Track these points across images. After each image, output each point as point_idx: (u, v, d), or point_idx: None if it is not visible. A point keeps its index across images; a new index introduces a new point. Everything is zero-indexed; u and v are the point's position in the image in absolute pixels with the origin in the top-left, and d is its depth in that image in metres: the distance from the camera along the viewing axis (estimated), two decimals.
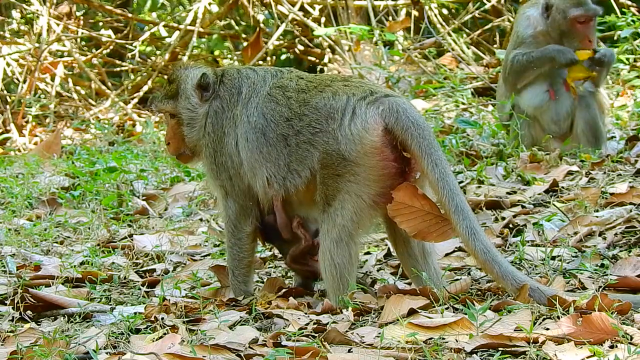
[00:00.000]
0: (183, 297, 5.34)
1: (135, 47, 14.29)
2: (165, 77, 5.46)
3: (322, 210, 4.95)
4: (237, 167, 5.14)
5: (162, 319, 4.78)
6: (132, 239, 6.64)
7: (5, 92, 13.72)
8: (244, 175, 5.14)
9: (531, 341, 4.06)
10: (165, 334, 4.53)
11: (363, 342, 4.31)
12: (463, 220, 4.73)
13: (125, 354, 4.22)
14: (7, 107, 13.20)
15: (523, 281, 4.65)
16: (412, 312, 4.60)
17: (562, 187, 6.97)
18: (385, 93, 4.98)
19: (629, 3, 12.86)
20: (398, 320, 4.41)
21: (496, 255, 4.71)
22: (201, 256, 6.35)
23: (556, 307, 4.39)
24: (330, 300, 4.91)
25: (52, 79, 13.75)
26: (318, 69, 14.26)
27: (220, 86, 5.25)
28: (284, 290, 5.23)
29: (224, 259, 6.23)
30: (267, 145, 5.05)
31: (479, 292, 5.00)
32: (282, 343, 4.30)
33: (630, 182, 6.86)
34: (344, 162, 4.88)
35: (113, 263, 6.22)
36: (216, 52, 16.10)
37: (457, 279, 5.31)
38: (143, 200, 7.82)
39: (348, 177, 4.88)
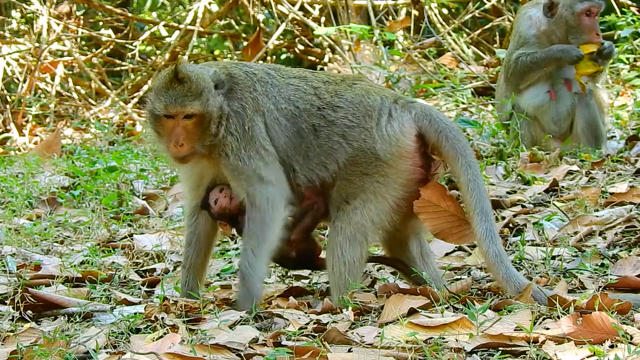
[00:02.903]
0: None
1: (135, 46, 14.29)
2: (161, 77, 5.09)
3: (337, 206, 4.94)
4: (274, 154, 4.99)
5: (162, 318, 4.78)
6: (132, 239, 6.64)
7: (5, 91, 13.72)
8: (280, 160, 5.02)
9: (531, 341, 4.06)
10: (165, 333, 4.53)
11: (363, 342, 4.31)
12: (484, 222, 4.82)
13: (125, 353, 4.22)
14: (7, 106, 13.21)
15: (525, 284, 4.69)
16: (412, 311, 4.60)
17: (562, 187, 6.97)
18: (409, 99, 5.13)
19: (629, 3, 12.86)
20: (398, 319, 4.41)
21: (506, 260, 4.79)
22: None
23: (556, 307, 4.39)
24: (332, 298, 4.91)
25: (52, 79, 13.76)
26: (318, 68, 14.26)
27: (233, 84, 5.07)
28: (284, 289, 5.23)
29: (224, 258, 6.24)
30: (298, 135, 5.00)
31: (479, 292, 5.00)
32: (282, 343, 4.30)
33: (630, 181, 6.86)
34: (377, 161, 4.92)
35: (113, 263, 6.22)
36: (216, 52, 16.10)
37: (457, 279, 5.31)
38: (143, 199, 7.82)
39: (377, 178, 4.92)
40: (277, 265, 5.63)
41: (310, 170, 4.98)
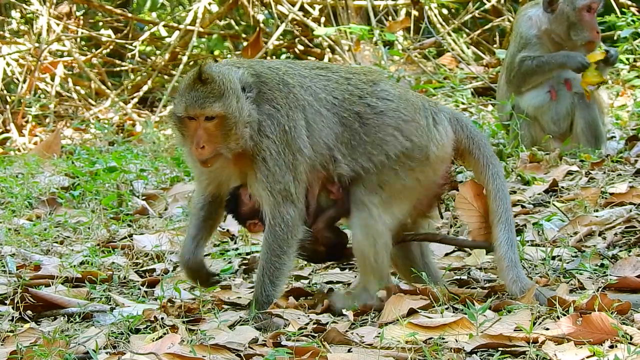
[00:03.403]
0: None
1: (135, 47, 14.30)
2: (187, 77, 4.85)
3: (370, 192, 4.88)
4: (306, 162, 4.84)
5: (162, 319, 4.78)
6: (132, 239, 6.64)
7: (5, 92, 13.72)
8: (311, 166, 4.87)
9: (531, 341, 4.06)
10: (165, 333, 4.53)
11: (363, 342, 4.31)
12: (507, 232, 4.91)
13: (125, 354, 4.22)
14: (7, 107, 13.21)
15: (530, 286, 4.75)
16: (412, 312, 4.60)
17: (562, 187, 6.97)
18: (437, 103, 5.20)
19: (629, 3, 12.87)
20: (398, 320, 4.41)
21: (519, 266, 4.88)
22: None
23: (556, 307, 4.39)
24: (367, 284, 4.90)
25: (52, 79, 13.76)
26: None
27: (261, 85, 4.87)
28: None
29: (224, 259, 6.23)
30: (340, 124, 4.90)
31: (480, 292, 5.00)
32: (282, 343, 4.30)
33: (630, 182, 6.86)
34: (426, 160, 4.95)
35: (113, 263, 6.22)
36: (216, 52, 16.10)
37: (457, 279, 5.32)
38: (143, 200, 7.82)
39: (418, 175, 4.95)
40: (307, 263, 5.65)
41: (354, 159, 4.89)
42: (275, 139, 4.80)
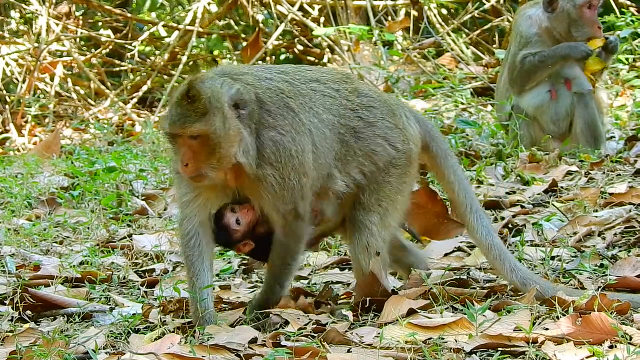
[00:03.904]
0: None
1: (134, 47, 14.29)
2: (177, 91, 4.64)
3: (366, 209, 4.86)
4: (313, 182, 4.76)
5: (162, 319, 4.78)
6: (131, 239, 6.64)
7: (4, 92, 13.72)
8: (315, 187, 4.80)
9: (531, 341, 4.06)
10: (164, 333, 4.53)
11: (363, 342, 4.31)
12: (481, 219, 5.00)
13: (125, 354, 4.22)
14: (7, 107, 13.21)
15: (529, 277, 4.82)
16: (411, 312, 4.60)
17: (562, 188, 6.96)
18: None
19: (629, 3, 12.87)
20: (398, 320, 4.41)
21: (508, 253, 4.94)
22: None
23: (556, 308, 4.39)
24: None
25: (52, 79, 13.76)
26: None
27: (264, 113, 4.69)
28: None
29: (224, 259, 6.23)
30: (339, 142, 4.83)
31: (479, 293, 5.00)
32: (282, 343, 4.30)
33: (629, 182, 6.85)
34: (408, 161, 4.95)
35: (113, 263, 6.22)
36: (216, 52, 16.10)
37: (457, 279, 5.32)
38: (142, 200, 7.81)
39: (405, 179, 4.95)
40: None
41: (348, 174, 4.85)
42: (281, 166, 4.65)
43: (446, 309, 4.70)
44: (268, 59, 14.50)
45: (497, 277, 5.26)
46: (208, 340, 4.41)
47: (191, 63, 14.67)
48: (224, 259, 6.25)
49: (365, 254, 4.84)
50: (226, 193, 4.79)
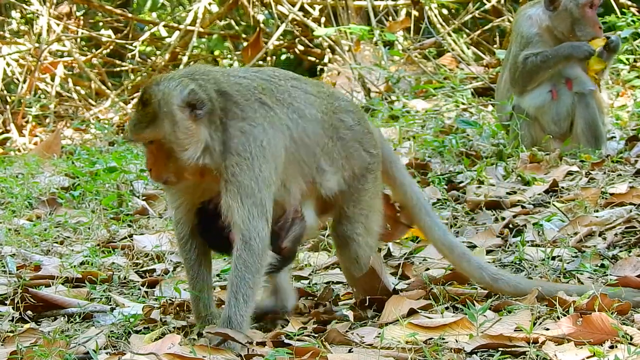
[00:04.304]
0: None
1: (135, 47, 14.30)
2: (138, 98, 4.58)
3: (353, 224, 4.84)
4: (279, 178, 4.58)
5: (162, 319, 4.78)
6: (132, 239, 6.64)
7: (5, 92, 13.72)
8: (282, 185, 4.63)
9: (531, 341, 4.06)
10: (164, 333, 4.53)
11: (363, 342, 4.31)
12: (434, 217, 5.04)
13: (125, 354, 4.22)
14: (7, 107, 13.21)
15: (498, 273, 4.88)
16: (412, 312, 4.60)
17: (562, 187, 6.96)
18: None
19: (629, 3, 12.87)
20: (398, 320, 4.41)
21: (470, 252, 5.03)
22: None
23: (556, 308, 4.39)
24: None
25: (52, 79, 13.76)
26: (318, 69, 14.27)
27: (231, 105, 4.54)
28: None
29: (224, 259, 6.23)
30: (326, 136, 4.74)
31: (480, 292, 5.00)
32: (283, 343, 4.30)
33: (630, 182, 6.85)
34: (379, 166, 4.95)
35: (113, 263, 6.22)
36: (216, 52, 16.11)
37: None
38: (143, 200, 7.81)
39: (377, 182, 4.94)
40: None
41: (336, 172, 4.78)
42: (249, 155, 4.48)
43: (446, 308, 4.70)
44: (268, 58, 14.51)
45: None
46: (211, 342, 4.38)
47: (192, 63, 14.66)
48: (224, 259, 6.25)
49: (355, 265, 4.83)
50: (207, 194, 4.66)
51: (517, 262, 5.48)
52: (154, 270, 6.11)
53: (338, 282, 5.56)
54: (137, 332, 4.74)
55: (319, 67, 14.27)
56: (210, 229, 4.70)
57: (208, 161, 4.48)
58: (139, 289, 5.64)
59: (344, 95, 5.03)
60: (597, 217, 6.11)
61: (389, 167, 5.06)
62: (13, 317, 5.09)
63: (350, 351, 4.21)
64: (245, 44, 14.61)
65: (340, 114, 4.86)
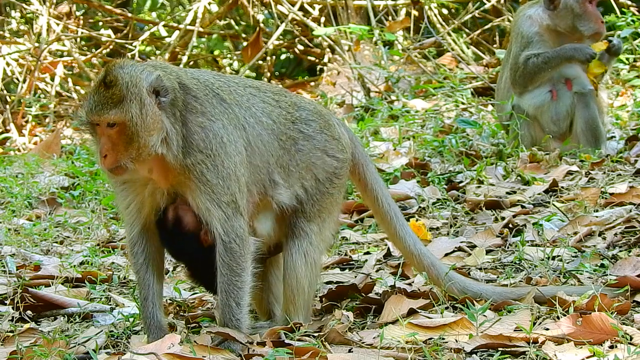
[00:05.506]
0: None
1: (135, 47, 14.29)
2: (98, 78, 4.47)
3: (310, 221, 4.77)
4: (247, 175, 4.51)
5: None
6: None
7: (5, 92, 13.72)
8: (249, 189, 4.55)
9: (531, 341, 4.06)
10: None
11: (363, 342, 4.31)
12: (403, 222, 5.04)
13: (125, 354, 4.22)
14: (7, 107, 13.21)
15: (466, 283, 4.88)
16: (412, 312, 4.60)
17: (562, 187, 6.96)
18: None
19: (629, 3, 12.87)
20: (398, 320, 4.41)
21: (438, 261, 5.04)
22: None
23: (556, 308, 4.39)
24: (300, 317, 4.69)
25: (52, 79, 13.76)
26: (318, 68, 14.27)
27: (190, 98, 4.46)
28: None
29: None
30: (280, 148, 4.67)
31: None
32: (282, 343, 4.31)
33: (630, 182, 6.86)
34: (346, 172, 4.91)
35: (113, 263, 6.22)
36: (216, 52, 16.11)
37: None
38: None
39: (341, 189, 4.91)
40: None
41: (291, 186, 4.70)
42: (211, 152, 4.40)
43: (446, 308, 4.70)
44: (268, 58, 14.51)
45: (497, 277, 5.27)
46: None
47: (191, 63, 14.66)
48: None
49: (303, 260, 4.71)
50: (158, 196, 4.50)
51: (517, 261, 5.48)
52: None
53: (338, 282, 5.56)
54: (137, 332, 4.74)
55: (318, 67, 14.27)
56: (174, 242, 4.58)
57: (165, 151, 4.36)
58: None
59: (307, 104, 4.90)
60: (596, 217, 6.11)
61: (361, 170, 5.02)
62: (13, 317, 5.09)
63: (350, 351, 4.21)
64: (245, 43, 14.62)
65: (300, 124, 4.79)
